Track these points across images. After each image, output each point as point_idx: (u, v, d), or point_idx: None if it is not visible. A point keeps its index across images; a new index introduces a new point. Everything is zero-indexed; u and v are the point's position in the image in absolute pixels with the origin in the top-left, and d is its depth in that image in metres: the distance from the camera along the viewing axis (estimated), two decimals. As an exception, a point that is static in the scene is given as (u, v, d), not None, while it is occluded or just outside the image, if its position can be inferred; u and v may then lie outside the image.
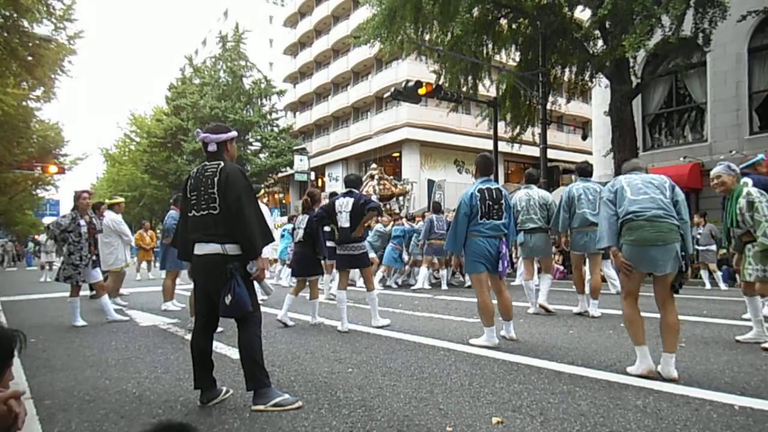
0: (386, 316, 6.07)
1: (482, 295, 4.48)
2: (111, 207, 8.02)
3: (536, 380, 3.34)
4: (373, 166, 13.09)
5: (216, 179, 2.90)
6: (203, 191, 2.93)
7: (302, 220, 6.10)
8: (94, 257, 6.30)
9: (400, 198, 17.76)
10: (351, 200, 5.56)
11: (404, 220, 11.76)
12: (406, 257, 11.16)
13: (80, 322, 6.10)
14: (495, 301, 4.60)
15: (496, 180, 4.77)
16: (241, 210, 2.86)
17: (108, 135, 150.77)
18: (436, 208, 10.60)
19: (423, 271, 10.21)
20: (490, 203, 4.46)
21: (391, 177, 14.45)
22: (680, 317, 5.90)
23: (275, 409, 2.81)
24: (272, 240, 3.30)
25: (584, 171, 6.45)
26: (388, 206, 16.34)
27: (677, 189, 3.54)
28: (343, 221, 5.54)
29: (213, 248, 2.90)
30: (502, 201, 4.51)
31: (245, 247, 2.89)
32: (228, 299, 2.78)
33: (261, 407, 2.83)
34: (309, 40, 41.61)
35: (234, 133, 3.16)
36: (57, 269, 6.21)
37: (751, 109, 14.10)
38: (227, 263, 2.84)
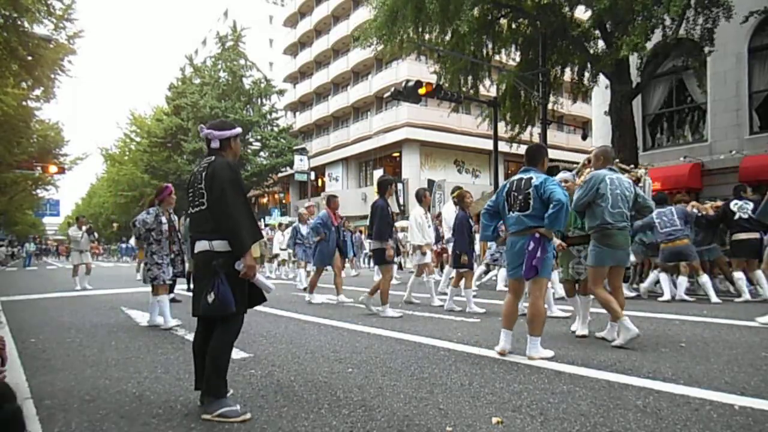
0: (386, 316, 6.08)
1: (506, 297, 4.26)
2: None
3: (536, 380, 3.34)
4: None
5: (204, 174, 2.85)
6: (196, 187, 2.90)
7: None
8: (172, 255, 6.15)
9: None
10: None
11: None
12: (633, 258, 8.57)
13: (171, 323, 5.82)
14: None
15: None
16: (225, 203, 2.74)
17: (108, 135, 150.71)
18: (660, 199, 8.08)
19: (661, 278, 8.15)
20: (515, 194, 4.07)
21: (617, 160, 12.27)
22: (680, 317, 5.90)
23: (221, 419, 2.67)
24: (260, 237, 3.19)
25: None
26: None
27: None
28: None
29: (203, 245, 2.84)
30: (529, 191, 3.96)
31: (230, 242, 2.76)
32: (210, 297, 2.69)
33: (208, 416, 2.71)
34: (309, 40, 41.62)
35: (238, 130, 3.06)
36: (139, 272, 6.17)
37: (751, 109, 14.09)
38: (213, 260, 2.76)
